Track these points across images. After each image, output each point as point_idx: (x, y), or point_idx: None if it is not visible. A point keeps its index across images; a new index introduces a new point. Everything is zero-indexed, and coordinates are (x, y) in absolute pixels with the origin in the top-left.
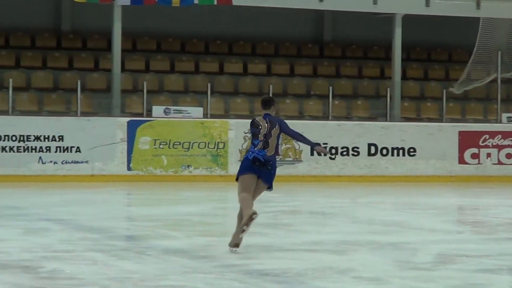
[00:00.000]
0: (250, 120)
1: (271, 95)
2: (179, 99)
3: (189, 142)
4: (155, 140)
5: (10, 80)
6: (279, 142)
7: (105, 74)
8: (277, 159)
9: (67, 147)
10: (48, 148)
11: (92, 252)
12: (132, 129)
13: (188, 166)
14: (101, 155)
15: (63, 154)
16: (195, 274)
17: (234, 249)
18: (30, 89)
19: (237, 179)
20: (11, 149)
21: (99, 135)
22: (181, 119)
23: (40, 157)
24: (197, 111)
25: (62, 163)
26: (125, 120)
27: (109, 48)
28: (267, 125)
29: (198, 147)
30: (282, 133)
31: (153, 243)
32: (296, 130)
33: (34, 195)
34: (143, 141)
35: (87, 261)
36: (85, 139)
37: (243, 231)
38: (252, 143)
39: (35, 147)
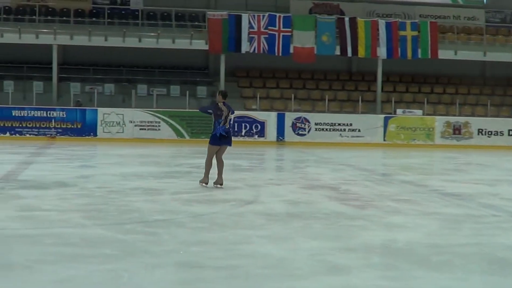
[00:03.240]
0: (213, 104)
1: None
2: (410, 106)
3: (414, 127)
4: (397, 126)
5: None
6: (231, 121)
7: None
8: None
9: (355, 129)
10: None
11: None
12: (386, 120)
13: (413, 139)
14: (371, 133)
15: (354, 133)
16: None
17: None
18: None
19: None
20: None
21: (370, 123)
22: (411, 116)
23: (340, 134)
24: (419, 112)
25: (351, 137)
26: (382, 116)
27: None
28: (226, 108)
29: (419, 130)
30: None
31: None
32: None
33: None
34: (391, 127)
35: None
36: (365, 125)
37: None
38: (218, 122)
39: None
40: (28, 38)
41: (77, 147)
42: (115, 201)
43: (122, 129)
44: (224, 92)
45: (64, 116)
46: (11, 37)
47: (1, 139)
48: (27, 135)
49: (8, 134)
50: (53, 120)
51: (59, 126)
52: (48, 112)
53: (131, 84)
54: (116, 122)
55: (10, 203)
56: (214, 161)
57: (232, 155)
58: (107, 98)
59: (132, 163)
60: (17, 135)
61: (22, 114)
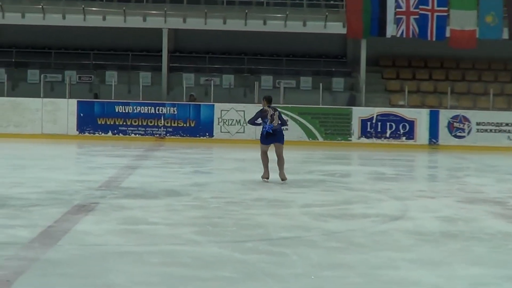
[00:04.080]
0: (262, 111)
1: None
2: None
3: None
4: None
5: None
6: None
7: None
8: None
9: None
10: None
11: None
12: None
13: None
14: None
15: None
16: None
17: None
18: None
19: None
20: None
21: None
22: None
23: (508, 136)
24: None
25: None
26: None
27: None
28: (272, 109)
29: None
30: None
31: None
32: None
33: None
34: None
35: None
36: None
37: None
38: (265, 121)
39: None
40: (135, 21)
41: (190, 150)
42: (234, 214)
43: (243, 129)
44: (268, 97)
45: (175, 112)
46: (115, 20)
47: (102, 139)
48: (132, 135)
49: (110, 133)
50: (162, 118)
51: (169, 124)
52: (157, 108)
53: (253, 75)
54: (236, 120)
55: (111, 215)
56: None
57: (374, 161)
58: (225, 92)
59: (254, 169)
60: (121, 134)
61: (127, 110)
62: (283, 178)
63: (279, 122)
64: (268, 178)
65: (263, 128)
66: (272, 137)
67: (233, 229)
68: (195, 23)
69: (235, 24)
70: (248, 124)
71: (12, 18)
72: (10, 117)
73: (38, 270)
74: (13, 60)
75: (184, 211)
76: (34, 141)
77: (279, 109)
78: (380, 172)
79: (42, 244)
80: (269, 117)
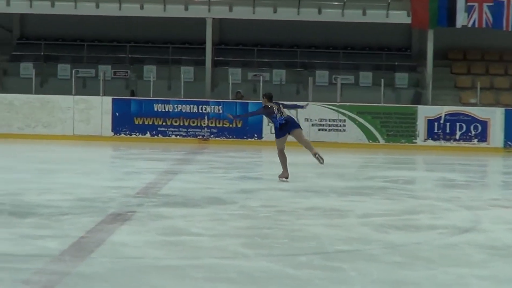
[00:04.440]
0: (265, 107)
1: None
2: None
3: None
4: None
5: None
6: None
7: None
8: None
9: None
10: None
11: None
12: None
13: None
14: None
15: None
16: None
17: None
18: None
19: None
20: None
21: None
22: None
23: None
24: None
25: None
26: None
27: None
28: (275, 105)
29: None
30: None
31: None
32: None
33: None
34: None
35: None
36: None
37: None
38: (275, 117)
39: None
40: (175, 11)
41: (237, 153)
42: (285, 225)
43: None
44: (269, 94)
45: (220, 112)
46: (153, 9)
47: (139, 140)
48: (172, 137)
49: (148, 134)
50: (206, 117)
51: (213, 125)
52: (200, 106)
53: (307, 70)
54: None
55: (150, 225)
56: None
57: (442, 166)
58: (276, 88)
59: (307, 175)
60: (160, 136)
61: (167, 109)
62: (318, 156)
63: (289, 112)
64: (287, 178)
65: (275, 124)
66: (286, 126)
67: (284, 241)
68: (242, 12)
69: (286, 13)
70: (234, 117)
71: (41, 7)
72: (38, 116)
73: (69, 285)
74: (42, 53)
75: (229, 221)
76: (65, 143)
77: (280, 102)
78: (449, 178)
79: (74, 257)
80: (276, 111)
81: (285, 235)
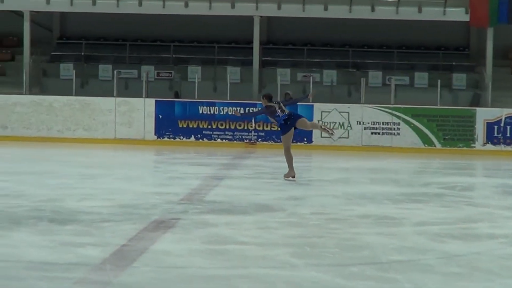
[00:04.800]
0: (267, 107)
1: None
2: None
3: None
4: None
5: None
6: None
7: None
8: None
9: None
10: None
11: None
12: None
13: None
14: None
15: None
16: None
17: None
18: None
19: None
20: None
21: None
22: None
23: None
24: None
25: None
26: None
27: None
28: (276, 104)
29: None
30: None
31: None
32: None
33: None
34: None
35: None
36: None
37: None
38: (277, 115)
39: None
40: (221, 8)
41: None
42: (336, 233)
43: (347, 133)
44: (268, 95)
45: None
46: (198, 6)
47: (184, 144)
48: (218, 140)
49: (193, 138)
50: (253, 120)
51: (261, 128)
52: (247, 108)
53: (359, 71)
54: (339, 123)
55: (195, 232)
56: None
57: (503, 171)
58: (326, 89)
59: (360, 181)
60: (205, 139)
61: (212, 112)
62: (326, 128)
63: (288, 109)
64: (294, 177)
65: (279, 121)
66: (290, 120)
67: (335, 250)
68: (291, 9)
69: (338, 11)
70: (241, 115)
71: (82, 5)
72: (78, 119)
73: None
74: (83, 53)
75: (278, 229)
76: (106, 147)
77: (279, 101)
78: (509, 185)
79: (115, 266)
80: (278, 110)
81: (336, 244)
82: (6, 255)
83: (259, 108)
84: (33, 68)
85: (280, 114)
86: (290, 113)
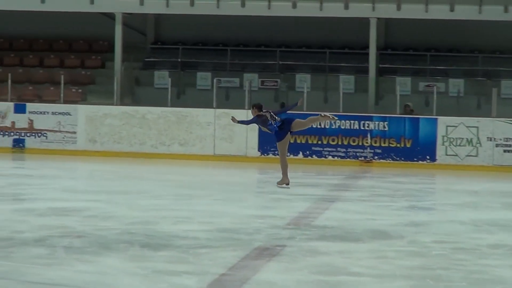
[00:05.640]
0: (258, 116)
1: None
2: None
3: None
4: None
5: None
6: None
7: None
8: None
9: None
10: None
11: None
12: None
13: None
14: None
15: None
16: None
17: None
18: None
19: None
20: None
21: None
22: None
23: None
24: None
25: None
26: None
27: None
28: (267, 113)
29: None
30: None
31: None
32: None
33: None
34: None
35: None
36: None
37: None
38: (270, 124)
39: None
40: (333, 10)
41: (405, 178)
42: (463, 265)
43: (476, 151)
44: (258, 105)
45: (386, 129)
46: (308, 7)
47: (290, 162)
48: (329, 158)
49: (301, 155)
50: (368, 135)
51: (377, 144)
52: (362, 122)
53: (490, 80)
54: (467, 139)
55: (302, 261)
56: None
57: None
58: (453, 101)
59: (491, 205)
60: (314, 156)
61: (322, 125)
62: (324, 114)
63: (279, 117)
64: (288, 184)
65: (273, 130)
66: (284, 125)
67: (462, 285)
68: (412, 11)
69: (466, 11)
70: (238, 123)
71: (179, 6)
72: (174, 132)
73: None
74: (179, 60)
75: (396, 259)
76: (204, 164)
77: (270, 110)
78: None
79: None
80: (270, 118)
81: (462, 277)
82: (95, 284)
83: (252, 118)
84: (125, 76)
85: (273, 122)
86: (283, 120)
